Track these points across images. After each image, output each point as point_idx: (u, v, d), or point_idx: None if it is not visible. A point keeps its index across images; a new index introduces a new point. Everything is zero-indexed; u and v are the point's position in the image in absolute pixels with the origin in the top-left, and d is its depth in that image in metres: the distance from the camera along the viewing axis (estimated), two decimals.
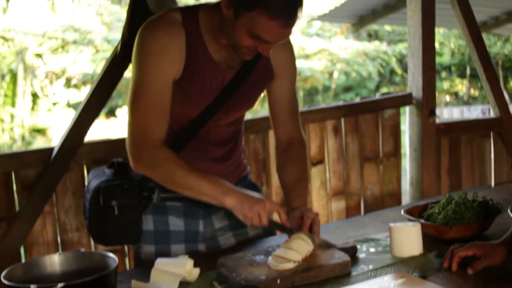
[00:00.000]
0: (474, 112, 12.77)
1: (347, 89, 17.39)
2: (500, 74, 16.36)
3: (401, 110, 4.43)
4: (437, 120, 4.37)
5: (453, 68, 17.83)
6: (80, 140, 3.36)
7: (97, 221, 2.06)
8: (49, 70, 14.57)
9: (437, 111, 4.36)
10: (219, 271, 1.85)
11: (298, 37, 15.26)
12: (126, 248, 3.52)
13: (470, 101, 17.53)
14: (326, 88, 17.29)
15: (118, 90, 8.95)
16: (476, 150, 4.60)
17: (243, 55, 1.91)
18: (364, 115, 4.21)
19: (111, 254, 1.71)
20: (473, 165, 4.60)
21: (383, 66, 16.79)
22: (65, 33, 14.37)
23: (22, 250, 3.37)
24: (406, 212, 2.20)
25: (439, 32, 15.25)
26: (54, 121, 13.46)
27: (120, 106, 14.54)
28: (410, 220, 2.10)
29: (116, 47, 3.27)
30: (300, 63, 14.98)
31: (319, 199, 4.11)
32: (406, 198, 4.63)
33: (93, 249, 3.34)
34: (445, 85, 18.05)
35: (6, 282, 1.56)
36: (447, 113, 13.13)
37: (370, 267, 1.88)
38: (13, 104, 12.63)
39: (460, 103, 17.18)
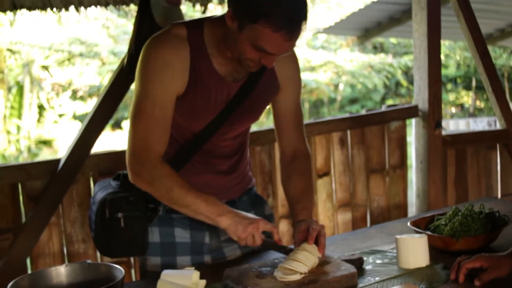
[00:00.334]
0: (480, 124, 12.74)
1: (353, 101, 17.41)
2: (506, 86, 16.35)
3: (407, 122, 4.43)
4: (443, 132, 4.37)
5: (459, 80, 17.83)
6: (87, 152, 3.37)
7: (103, 233, 2.06)
8: (56, 82, 14.64)
9: (443, 123, 4.36)
10: (225, 282, 1.85)
11: (303, 49, 15.30)
12: (132, 259, 3.52)
13: (476, 113, 17.50)
14: (332, 100, 17.31)
15: (124, 102, 8.97)
16: (483, 162, 4.59)
17: (247, 67, 1.91)
18: (370, 127, 4.21)
19: (117, 266, 1.71)
20: (479, 177, 4.59)
21: (388, 78, 16.81)
22: (72, 46, 14.46)
23: (28, 261, 3.37)
24: (413, 224, 2.19)
25: (445, 44, 15.26)
26: (60, 133, 13.50)
27: (126, 119, 14.56)
28: (417, 232, 2.10)
29: (123, 60, 3.29)
30: (305, 76, 15.00)
31: (325, 211, 4.10)
32: (413, 210, 4.62)
33: (99, 260, 3.34)
34: (451, 97, 18.05)
35: None
36: (453, 125, 13.10)
37: (377, 278, 1.87)
38: (19, 116, 12.67)
39: (466, 115, 17.15)
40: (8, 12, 3.48)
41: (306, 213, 2.10)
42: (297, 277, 1.79)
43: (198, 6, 3.73)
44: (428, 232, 2.09)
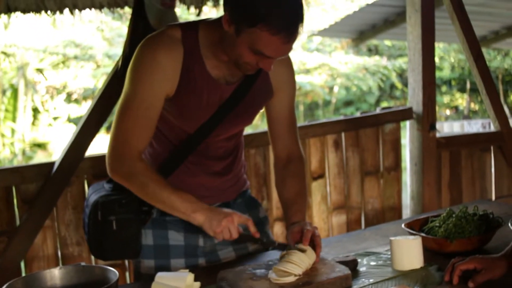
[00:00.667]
0: (475, 126, 12.77)
1: (348, 103, 17.43)
2: (500, 88, 16.40)
3: (402, 124, 4.43)
4: (438, 134, 4.38)
5: (453, 82, 17.87)
6: (81, 154, 3.36)
7: (96, 236, 2.06)
8: (50, 85, 14.61)
9: (438, 125, 4.37)
10: (220, 284, 1.85)
11: (298, 52, 15.32)
12: (126, 262, 3.52)
13: (470, 115, 17.54)
14: (327, 103, 17.33)
15: None
16: (477, 164, 4.60)
17: (245, 70, 1.92)
18: (365, 130, 4.21)
19: (111, 268, 1.70)
20: (473, 179, 4.60)
21: (383, 80, 16.83)
22: (66, 49, 14.43)
23: (22, 264, 3.37)
24: (407, 226, 2.20)
25: (439, 46, 15.30)
26: (54, 136, 13.47)
27: None
28: (411, 234, 2.10)
29: (117, 63, 3.29)
30: (300, 78, 15.02)
31: (320, 213, 4.11)
32: (407, 212, 4.63)
33: (93, 263, 3.34)
34: (446, 99, 18.08)
35: None
36: (447, 127, 13.13)
37: (371, 280, 1.87)
38: (14, 119, 12.65)
39: (461, 117, 17.18)
40: (2, 15, 3.48)
41: (299, 215, 2.11)
42: (291, 279, 1.79)
43: (192, 9, 3.74)
44: (422, 234, 2.10)
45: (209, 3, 3.76)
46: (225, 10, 1.83)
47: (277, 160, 2.25)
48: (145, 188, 1.94)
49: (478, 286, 1.75)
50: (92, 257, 3.38)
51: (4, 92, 12.96)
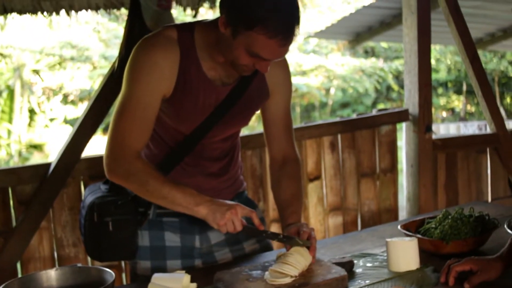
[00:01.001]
0: (471, 128, 12.81)
1: (344, 105, 17.46)
2: (496, 90, 16.45)
3: (398, 126, 4.44)
4: (434, 136, 4.39)
5: (449, 84, 17.91)
6: (77, 156, 3.36)
7: (92, 237, 2.06)
8: (47, 86, 14.60)
9: (434, 127, 4.37)
10: (216, 286, 1.85)
11: (295, 54, 15.33)
12: (123, 263, 3.52)
13: (466, 117, 17.59)
14: (323, 104, 17.35)
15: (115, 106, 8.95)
16: (473, 166, 4.61)
17: (241, 72, 1.92)
18: (361, 131, 4.22)
19: (107, 269, 1.71)
20: (469, 181, 4.61)
21: (379, 82, 16.86)
22: (63, 50, 14.44)
23: (18, 265, 3.36)
24: (403, 227, 2.20)
25: (435, 48, 15.34)
26: (51, 137, 13.44)
27: None
28: (407, 235, 2.10)
29: (113, 64, 3.29)
30: (297, 80, 15.03)
31: (316, 214, 4.11)
32: (403, 213, 4.64)
33: (90, 264, 3.34)
34: (442, 101, 18.12)
35: None
36: (443, 129, 13.17)
37: (367, 282, 1.88)
38: (10, 120, 12.63)
39: (457, 119, 17.24)
40: None
41: (295, 217, 2.11)
42: (287, 280, 1.79)
43: (189, 10, 3.74)
44: (418, 235, 2.10)
45: (206, 5, 3.76)
46: (221, 12, 1.83)
47: (273, 161, 2.25)
48: (145, 186, 1.93)
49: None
50: (89, 258, 3.38)
51: (0, 93, 12.94)
